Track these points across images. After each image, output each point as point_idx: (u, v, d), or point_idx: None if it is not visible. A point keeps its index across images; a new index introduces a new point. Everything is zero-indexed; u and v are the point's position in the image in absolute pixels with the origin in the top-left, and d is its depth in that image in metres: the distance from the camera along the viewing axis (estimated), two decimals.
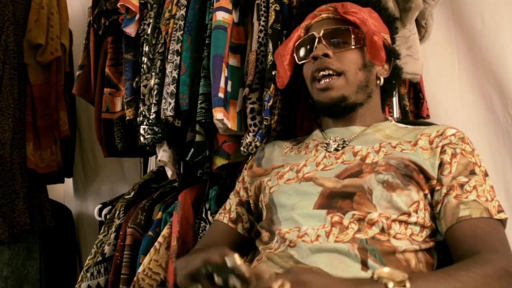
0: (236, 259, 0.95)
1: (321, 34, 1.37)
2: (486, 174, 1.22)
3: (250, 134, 1.62)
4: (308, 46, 1.41)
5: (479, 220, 1.14)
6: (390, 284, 0.92)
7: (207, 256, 1.00)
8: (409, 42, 1.74)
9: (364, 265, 1.10)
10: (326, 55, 1.34)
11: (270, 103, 1.56)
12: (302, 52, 1.43)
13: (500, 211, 1.16)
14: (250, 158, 1.57)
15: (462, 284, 0.98)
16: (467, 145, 1.24)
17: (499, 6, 1.91)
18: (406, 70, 1.70)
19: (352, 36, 1.36)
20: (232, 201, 1.50)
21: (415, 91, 1.97)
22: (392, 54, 1.44)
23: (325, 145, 1.36)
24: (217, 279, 0.96)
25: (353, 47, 1.36)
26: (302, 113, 1.66)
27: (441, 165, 1.21)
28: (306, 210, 1.22)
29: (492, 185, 1.21)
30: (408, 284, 0.92)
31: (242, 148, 1.63)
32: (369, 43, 1.34)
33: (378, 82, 1.41)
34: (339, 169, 1.27)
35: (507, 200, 1.85)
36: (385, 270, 0.95)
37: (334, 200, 1.21)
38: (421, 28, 1.84)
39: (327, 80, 1.34)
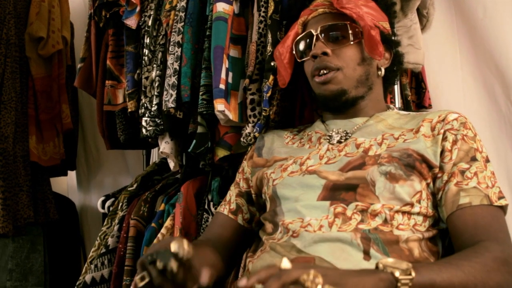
0: (179, 245, 0.98)
1: (318, 32, 1.37)
2: (487, 160, 1.22)
3: (250, 125, 1.62)
4: (307, 43, 1.40)
5: (479, 207, 1.14)
6: (397, 273, 0.92)
7: (158, 245, 1.03)
8: (410, 32, 1.74)
9: (367, 254, 1.11)
10: (325, 53, 1.34)
11: (268, 94, 1.56)
12: (301, 49, 1.43)
13: (500, 197, 1.16)
14: (249, 148, 1.57)
15: (463, 273, 0.99)
16: (468, 130, 1.24)
17: None
18: (408, 60, 1.70)
19: (350, 32, 1.35)
20: (232, 193, 1.50)
21: (417, 80, 1.96)
22: (392, 43, 1.44)
23: (328, 137, 1.36)
24: (159, 263, 0.98)
25: (351, 42, 1.36)
26: (301, 104, 1.66)
27: (442, 152, 1.21)
28: (310, 202, 1.22)
29: (493, 171, 1.21)
30: (413, 273, 0.93)
31: (242, 139, 1.63)
32: (367, 38, 1.33)
33: (379, 73, 1.41)
34: (342, 162, 1.27)
35: (509, 189, 1.85)
36: (390, 260, 0.96)
37: (338, 192, 1.21)
38: (423, 18, 1.84)
39: (326, 74, 1.34)
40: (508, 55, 1.87)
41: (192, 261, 1.01)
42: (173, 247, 0.98)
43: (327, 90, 1.35)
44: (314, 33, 1.37)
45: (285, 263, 0.91)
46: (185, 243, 0.98)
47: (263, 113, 1.56)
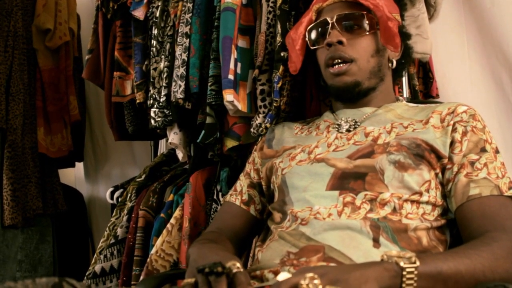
0: (233, 266, 0.99)
1: (334, 20, 1.34)
2: (497, 151, 1.22)
3: (260, 115, 1.62)
4: (321, 31, 1.38)
5: (488, 198, 1.14)
6: (401, 262, 0.93)
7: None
8: (418, 21, 1.73)
9: (376, 242, 1.11)
10: (340, 42, 1.33)
11: (279, 85, 1.56)
12: (314, 36, 1.41)
13: (511, 187, 1.16)
14: (260, 139, 1.57)
15: (470, 260, 1.00)
16: (478, 122, 1.24)
17: None
18: (415, 49, 1.69)
19: (366, 22, 1.34)
20: (243, 183, 1.49)
21: (425, 70, 1.96)
22: (403, 35, 1.43)
23: (337, 126, 1.36)
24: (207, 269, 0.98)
25: (367, 33, 1.34)
26: (311, 93, 1.66)
27: (452, 143, 1.21)
28: (319, 192, 1.22)
29: (503, 162, 1.21)
30: (417, 262, 0.94)
31: (252, 130, 1.63)
32: (383, 28, 1.32)
33: (390, 65, 1.40)
34: (350, 150, 1.27)
35: None
36: (394, 252, 0.97)
37: (346, 181, 1.21)
38: (430, 7, 1.83)
39: (340, 65, 1.33)
40: None
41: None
42: (228, 264, 0.99)
43: (340, 82, 1.34)
44: (330, 21, 1.35)
45: (282, 276, 0.92)
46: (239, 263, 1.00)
47: (274, 104, 1.56)
